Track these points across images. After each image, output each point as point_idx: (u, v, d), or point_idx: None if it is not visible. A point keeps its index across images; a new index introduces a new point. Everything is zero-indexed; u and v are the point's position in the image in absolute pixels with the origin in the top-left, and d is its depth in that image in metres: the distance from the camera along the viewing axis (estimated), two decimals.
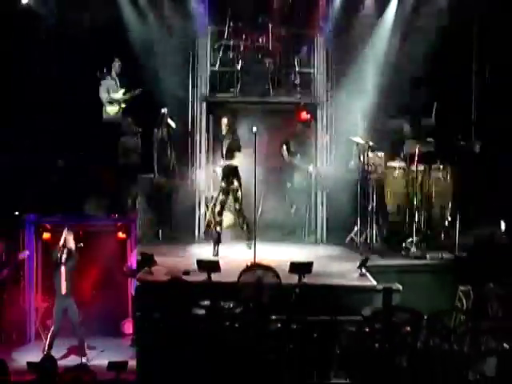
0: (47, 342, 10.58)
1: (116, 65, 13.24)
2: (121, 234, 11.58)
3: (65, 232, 10.77)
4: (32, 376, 7.83)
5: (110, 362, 8.79)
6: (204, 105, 13.26)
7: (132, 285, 11.07)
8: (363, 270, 10.68)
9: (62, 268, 10.68)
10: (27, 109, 12.65)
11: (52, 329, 10.69)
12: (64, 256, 10.71)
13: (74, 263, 10.78)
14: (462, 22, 12.98)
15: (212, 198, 12.88)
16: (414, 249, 11.88)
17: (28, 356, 9.87)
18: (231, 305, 9.27)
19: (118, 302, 11.68)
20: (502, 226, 11.64)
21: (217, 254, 11.75)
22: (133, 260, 11.25)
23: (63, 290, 10.67)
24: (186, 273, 10.39)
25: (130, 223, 11.29)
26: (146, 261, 10.87)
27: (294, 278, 9.98)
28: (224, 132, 11.96)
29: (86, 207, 12.09)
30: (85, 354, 10.57)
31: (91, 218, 11.61)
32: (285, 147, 12.87)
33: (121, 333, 11.52)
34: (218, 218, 12.04)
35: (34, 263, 11.41)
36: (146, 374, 8.67)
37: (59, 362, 8.68)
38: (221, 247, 12.00)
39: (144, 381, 8.68)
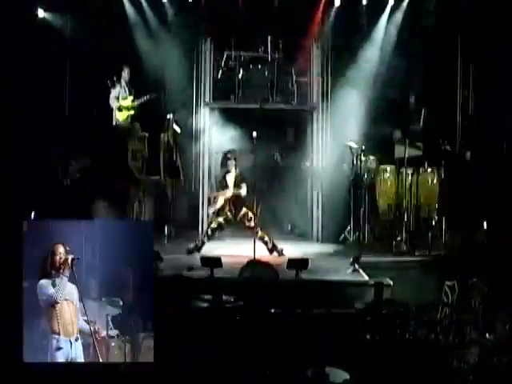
0: None
1: (125, 72, 13.44)
2: None
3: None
4: None
5: None
6: (207, 111, 13.74)
7: None
8: (356, 266, 10.86)
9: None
10: (28, 110, 12.76)
11: None
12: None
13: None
14: (448, 33, 13.28)
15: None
16: (403, 246, 12.19)
17: None
18: (232, 299, 9.34)
19: None
20: (484, 226, 11.87)
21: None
22: None
23: None
24: (190, 269, 10.65)
25: None
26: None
27: (292, 274, 10.34)
28: (230, 167, 12.04)
29: (91, 210, 12.04)
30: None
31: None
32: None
33: None
34: (209, 232, 12.10)
35: None
36: None
37: None
38: (223, 244, 12.33)
39: None
